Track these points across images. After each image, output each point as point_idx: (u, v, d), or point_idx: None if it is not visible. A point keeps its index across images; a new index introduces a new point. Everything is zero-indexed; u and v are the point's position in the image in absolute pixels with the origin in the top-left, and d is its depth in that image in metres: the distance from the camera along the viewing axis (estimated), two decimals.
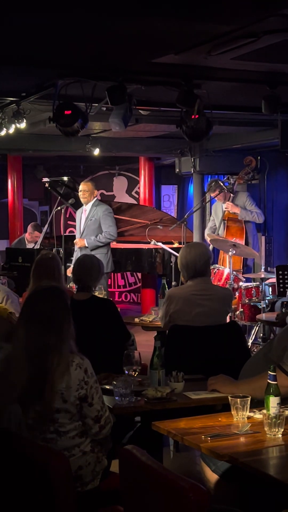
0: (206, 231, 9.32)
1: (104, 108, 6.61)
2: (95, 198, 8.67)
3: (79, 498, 2.98)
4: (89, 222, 8.56)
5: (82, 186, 8.65)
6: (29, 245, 10.55)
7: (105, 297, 6.28)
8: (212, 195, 8.97)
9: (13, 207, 11.78)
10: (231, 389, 3.40)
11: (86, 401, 3.06)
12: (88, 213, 8.59)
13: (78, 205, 8.92)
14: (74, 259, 8.73)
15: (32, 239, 10.62)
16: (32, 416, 3.05)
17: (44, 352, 3.02)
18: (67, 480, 2.64)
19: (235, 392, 3.20)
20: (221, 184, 8.89)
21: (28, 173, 12.47)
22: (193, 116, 6.11)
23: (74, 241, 8.66)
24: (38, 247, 9.90)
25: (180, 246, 9.00)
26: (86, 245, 8.45)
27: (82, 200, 8.61)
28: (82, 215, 8.68)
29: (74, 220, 9.08)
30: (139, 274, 11.92)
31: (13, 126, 6.77)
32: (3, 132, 7.03)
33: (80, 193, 8.63)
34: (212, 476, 3.27)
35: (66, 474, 2.63)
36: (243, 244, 8.48)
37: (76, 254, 8.70)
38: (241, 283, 7.83)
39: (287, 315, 5.72)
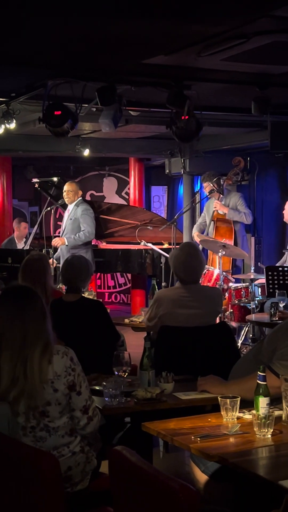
0: (194, 228, 9.25)
1: (94, 109, 6.61)
2: (79, 198, 8.73)
3: (69, 498, 2.97)
4: (69, 222, 8.65)
5: (66, 186, 8.78)
6: (20, 244, 10.52)
7: (94, 298, 6.28)
8: (204, 184, 8.94)
9: (2, 208, 11.76)
10: (221, 389, 3.40)
11: (75, 389, 3.08)
12: (70, 212, 8.69)
13: (67, 205, 8.94)
14: (55, 258, 8.77)
15: (21, 233, 10.60)
16: (22, 413, 3.04)
17: (18, 347, 3.02)
18: (57, 481, 2.63)
19: (225, 393, 3.20)
20: (215, 179, 8.85)
21: (17, 173, 12.45)
22: (183, 117, 6.12)
23: (53, 240, 8.73)
24: (28, 247, 9.89)
25: (170, 247, 9.00)
26: (66, 244, 8.52)
27: (66, 200, 8.75)
28: (66, 215, 8.79)
29: None
30: (129, 275, 11.91)
31: (3, 126, 6.77)
32: None
33: (64, 193, 8.73)
34: (201, 477, 3.27)
35: (56, 475, 2.62)
36: (232, 244, 8.49)
37: (57, 254, 8.76)
38: (230, 284, 7.84)
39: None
